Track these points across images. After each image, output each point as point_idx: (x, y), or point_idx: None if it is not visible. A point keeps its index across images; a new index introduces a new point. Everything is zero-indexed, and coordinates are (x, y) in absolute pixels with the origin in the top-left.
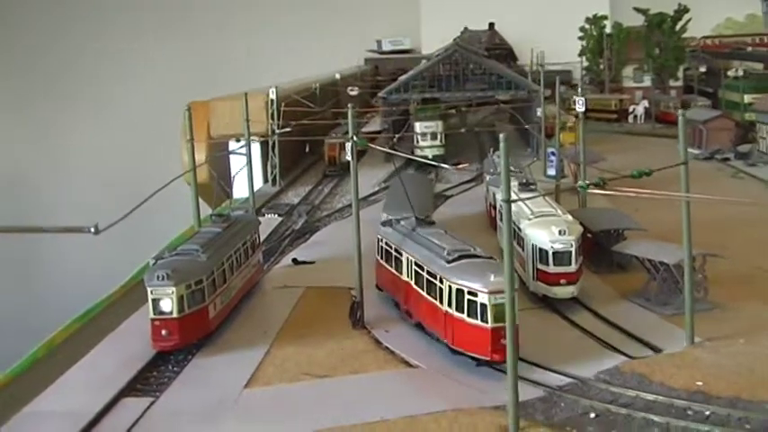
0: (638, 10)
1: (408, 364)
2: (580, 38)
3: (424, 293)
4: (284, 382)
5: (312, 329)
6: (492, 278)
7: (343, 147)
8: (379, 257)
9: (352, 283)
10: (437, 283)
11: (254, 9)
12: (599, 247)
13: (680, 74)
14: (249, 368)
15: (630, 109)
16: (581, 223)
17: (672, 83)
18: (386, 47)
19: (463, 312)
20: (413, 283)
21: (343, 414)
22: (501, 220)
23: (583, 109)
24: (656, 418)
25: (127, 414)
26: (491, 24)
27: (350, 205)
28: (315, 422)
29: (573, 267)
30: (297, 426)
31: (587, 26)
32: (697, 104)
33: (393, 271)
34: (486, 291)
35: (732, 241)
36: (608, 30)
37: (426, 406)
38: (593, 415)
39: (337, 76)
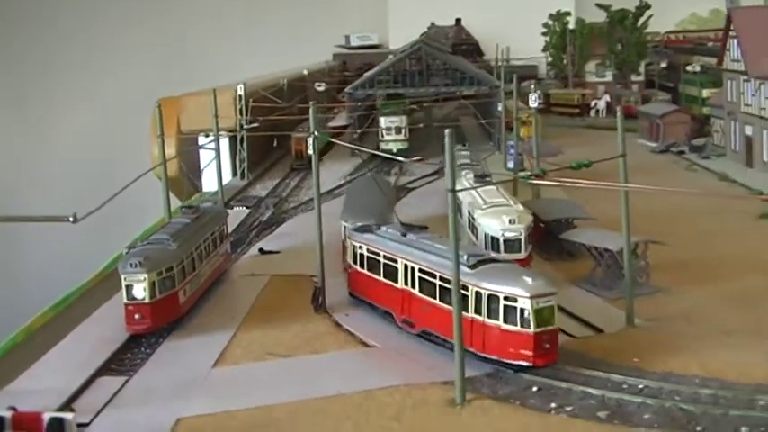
0: (600, 6)
1: (366, 345)
2: (544, 34)
3: (437, 301)
4: (250, 362)
5: (277, 314)
6: (531, 282)
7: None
8: (354, 264)
9: (315, 270)
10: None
11: (226, 5)
12: (550, 236)
13: (641, 69)
14: (217, 349)
15: (592, 103)
16: (533, 213)
17: (634, 78)
18: (354, 42)
19: (498, 319)
20: (416, 291)
21: (304, 389)
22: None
23: (536, 105)
24: (593, 391)
25: (103, 391)
26: (458, 20)
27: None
28: (277, 397)
29: (522, 254)
30: (260, 400)
31: (551, 22)
32: (657, 99)
33: (381, 279)
34: (527, 296)
35: (679, 230)
36: (571, 26)
37: (381, 381)
38: (535, 388)
39: (305, 71)
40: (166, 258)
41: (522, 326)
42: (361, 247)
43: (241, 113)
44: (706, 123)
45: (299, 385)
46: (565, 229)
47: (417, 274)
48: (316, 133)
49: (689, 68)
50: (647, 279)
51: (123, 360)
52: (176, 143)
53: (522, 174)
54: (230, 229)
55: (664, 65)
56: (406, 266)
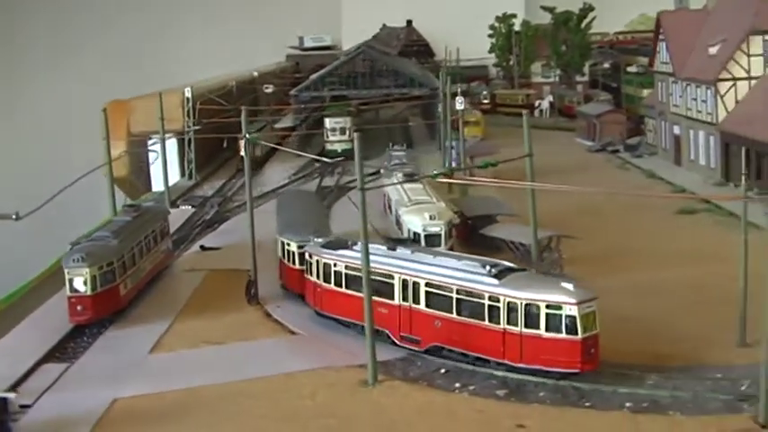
0: (544, 8)
1: (292, 333)
2: (490, 35)
3: (454, 315)
4: (184, 349)
5: (212, 305)
6: (573, 289)
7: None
8: (325, 283)
9: (245, 264)
10: (484, 301)
11: (181, 7)
12: (475, 231)
13: (586, 69)
14: (154, 337)
15: (536, 103)
16: (460, 210)
17: (578, 78)
18: (307, 43)
19: (539, 328)
20: (423, 306)
21: (230, 373)
22: (389, 207)
23: (462, 107)
24: (496, 372)
25: (46, 377)
26: (409, 22)
27: (259, 196)
28: (205, 379)
29: (443, 248)
30: (190, 382)
31: (497, 24)
32: (598, 99)
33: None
34: (574, 302)
35: (600, 225)
36: (517, 28)
37: (302, 365)
38: (443, 371)
39: (255, 73)
40: (107, 254)
41: (568, 333)
42: (335, 265)
43: (188, 116)
44: (642, 123)
45: (227, 369)
46: (486, 225)
47: (424, 288)
48: (247, 135)
49: (629, 69)
50: (561, 271)
51: (66, 348)
52: (127, 145)
53: (432, 172)
54: (175, 228)
55: (607, 65)
56: (405, 282)
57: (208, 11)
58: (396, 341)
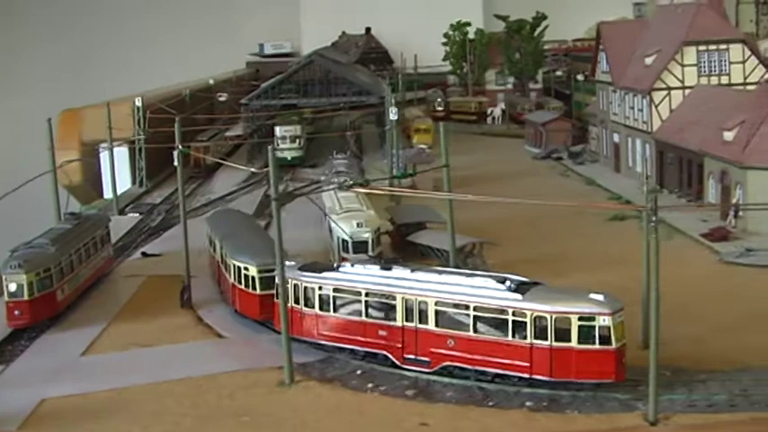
0: (498, 17)
1: (220, 336)
2: (444, 44)
3: (471, 333)
4: (115, 351)
5: (146, 310)
6: (603, 300)
7: (207, 150)
8: (306, 307)
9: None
10: (507, 317)
11: (139, 15)
12: (405, 238)
13: (539, 77)
14: (87, 340)
15: (489, 111)
16: (392, 217)
17: (532, 85)
18: (267, 50)
19: (570, 341)
20: (432, 326)
21: (156, 374)
22: (325, 215)
23: (396, 117)
24: (407, 373)
25: None
26: (368, 29)
27: (206, 204)
28: (132, 380)
29: (370, 254)
30: (117, 383)
31: (451, 32)
32: (550, 106)
33: (363, 320)
34: (608, 312)
35: (534, 231)
36: (471, 36)
37: (225, 367)
38: (359, 372)
39: (211, 81)
40: (44, 260)
41: (601, 344)
42: (320, 288)
43: (139, 124)
44: (587, 130)
45: (153, 370)
46: (416, 232)
47: (433, 308)
48: (180, 147)
49: (578, 77)
50: None
51: (4, 351)
52: (79, 153)
53: (345, 182)
54: (121, 234)
55: (560, 73)
56: (409, 302)
57: (168, 18)
58: (397, 364)
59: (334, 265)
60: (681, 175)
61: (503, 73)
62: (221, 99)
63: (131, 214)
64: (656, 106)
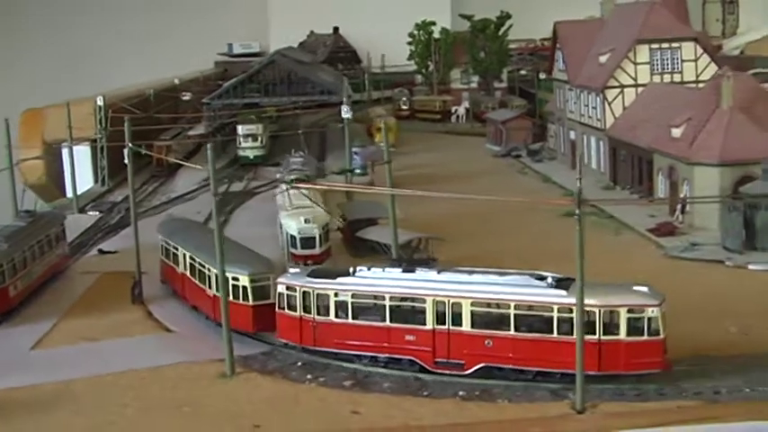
0: (462, 16)
1: (168, 330)
2: (409, 43)
3: (511, 332)
4: (64, 345)
5: (98, 306)
6: (648, 291)
7: (170, 149)
8: (320, 315)
9: (141, 267)
10: (552, 314)
11: (109, 13)
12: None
13: (504, 76)
14: (38, 335)
15: (453, 109)
16: (344, 214)
17: (496, 84)
18: (236, 50)
19: (619, 333)
20: (467, 328)
21: (103, 366)
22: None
23: (349, 116)
24: (346, 365)
25: None
26: (335, 29)
27: (167, 202)
28: (79, 373)
29: (317, 250)
30: (65, 375)
31: (416, 32)
32: (514, 104)
33: (387, 325)
34: (656, 304)
35: (487, 227)
36: (436, 35)
37: (170, 359)
38: (300, 363)
39: (176, 80)
40: None
41: (650, 335)
42: (337, 294)
43: (101, 124)
44: (547, 128)
45: (100, 363)
46: (366, 228)
47: (469, 309)
48: (131, 145)
49: (540, 76)
50: None
51: None
52: (43, 152)
53: (288, 179)
54: (80, 232)
55: (523, 72)
56: (441, 304)
57: (137, 17)
58: (427, 368)
59: (350, 269)
60: (633, 171)
61: (468, 72)
62: (185, 98)
63: (91, 212)
64: (610, 104)
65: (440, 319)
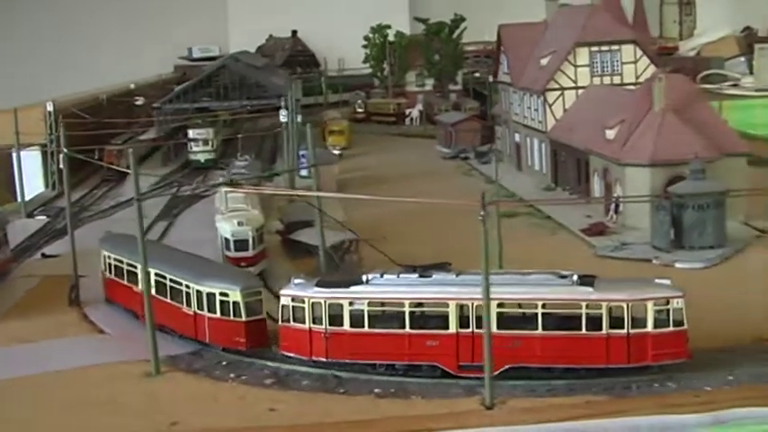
0: (417, 19)
1: (102, 332)
2: (364, 46)
3: (539, 331)
4: None
5: (36, 308)
6: (670, 283)
7: (121, 154)
8: (327, 326)
9: (81, 270)
10: (581, 310)
11: (67, 17)
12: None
13: (459, 78)
14: None
15: (407, 112)
16: (281, 216)
17: (451, 87)
18: (196, 54)
19: (646, 326)
20: (493, 329)
21: (34, 367)
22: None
23: (285, 120)
24: (269, 364)
25: None
26: (294, 32)
27: (114, 206)
28: (9, 373)
29: (251, 252)
30: None
31: (371, 35)
32: (467, 107)
33: (407, 332)
34: (681, 295)
35: (423, 228)
36: (391, 38)
37: (99, 359)
38: (224, 363)
39: (132, 85)
40: None
41: (675, 325)
42: (352, 303)
43: (51, 129)
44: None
45: (30, 364)
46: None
47: (495, 310)
48: (65, 150)
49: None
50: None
51: None
52: None
53: (212, 183)
54: (27, 236)
55: (477, 74)
56: (464, 308)
57: (97, 21)
58: (451, 373)
59: (363, 277)
60: (572, 172)
61: (422, 74)
62: (138, 103)
63: (39, 217)
64: (550, 106)
65: (463, 322)
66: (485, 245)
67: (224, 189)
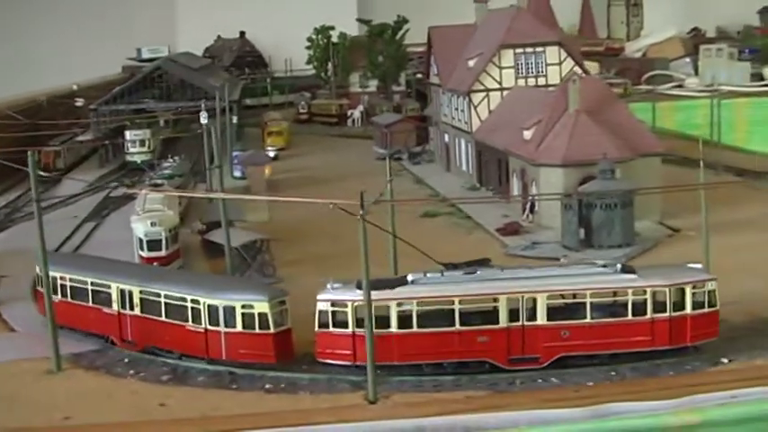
0: (360, 21)
1: (12, 331)
2: (307, 47)
3: (588, 320)
4: None
5: None
6: (702, 268)
7: (58, 155)
8: (382, 329)
9: (5, 270)
10: (627, 297)
11: (14, 16)
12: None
13: (402, 79)
14: None
15: (349, 113)
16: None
17: (395, 88)
18: (145, 55)
19: (685, 309)
20: (542, 321)
21: None
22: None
23: (204, 120)
24: (169, 361)
25: None
26: (242, 33)
27: (46, 207)
28: None
29: (164, 252)
30: None
31: (314, 36)
32: (408, 108)
33: (458, 329)
34: (714, 278)
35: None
36: (335, 39)
37: (4, 356)
38: (126, 360)
39: (74, 86)
40: None
41: (709, 307)
42: (400, 304)
43: None
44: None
45: None
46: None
47: (546, 302)
48: None
49: None
50: (274, 271)
51: None
52: None
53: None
54: None
55: (420, 75)
56: (515, 301)
57: (45, 21)
58: (501, 366)
59: (408, 278)
60: (494, 173)
61: (366, 76)
62: (78, 104)
63: None
64: (476, 107)
65: (512, 316)
66: (363, 243)
67: (144, 190)
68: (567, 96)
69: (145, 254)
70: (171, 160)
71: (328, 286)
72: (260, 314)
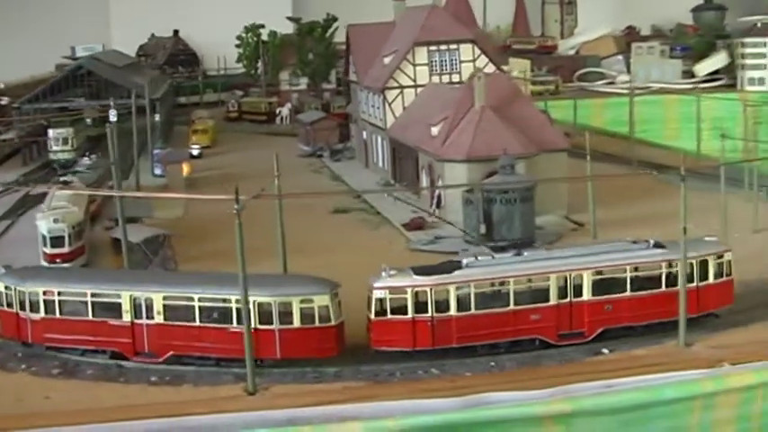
0: (290, 19)
1: None
2: (237, 46)
3: (628, 293)
4: None
5: None
6: (716, 239)
7: None
8: (433, 313)
9: None
10: (661, 270)
11: None
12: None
13: (332, 77)
14: None
15: (278, 111)
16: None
17: (325, 85)
18: (79, 53)
19: (708, 278)
20: (587, 297)
21: None
22: None
23: (114, 118)
24: (60, 355)
25: None
26: (175, 31)
27: None
28: None
29: (67, 249)
30: None
31: (244, 35)
32: (337, 106)
33: (511, 309)
34: (730, 249)
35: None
36: (265, 37)
37: None
38: (19, 355)
39: (1, 85)
40: None
41: (726, 276)
42: (459, 288)
43: None
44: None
45: None
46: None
47: (591, 278)
48: None
49: None
50: (176, 266)
51: None
52: None
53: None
54: None
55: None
56: (562, 279)
57: None
58: (551, 343)
59: (462, 261)
60: (407, 169)
61: (296, 74)
62: (2, 103)
63: None
64: (390, 104)
65: (561, 293)
66: (239, 239)
67: (53, 188)
68: (474, 93)
69: (48, 250)
70: (88, 159)
71: (383, 274)
72: (320, 307)
